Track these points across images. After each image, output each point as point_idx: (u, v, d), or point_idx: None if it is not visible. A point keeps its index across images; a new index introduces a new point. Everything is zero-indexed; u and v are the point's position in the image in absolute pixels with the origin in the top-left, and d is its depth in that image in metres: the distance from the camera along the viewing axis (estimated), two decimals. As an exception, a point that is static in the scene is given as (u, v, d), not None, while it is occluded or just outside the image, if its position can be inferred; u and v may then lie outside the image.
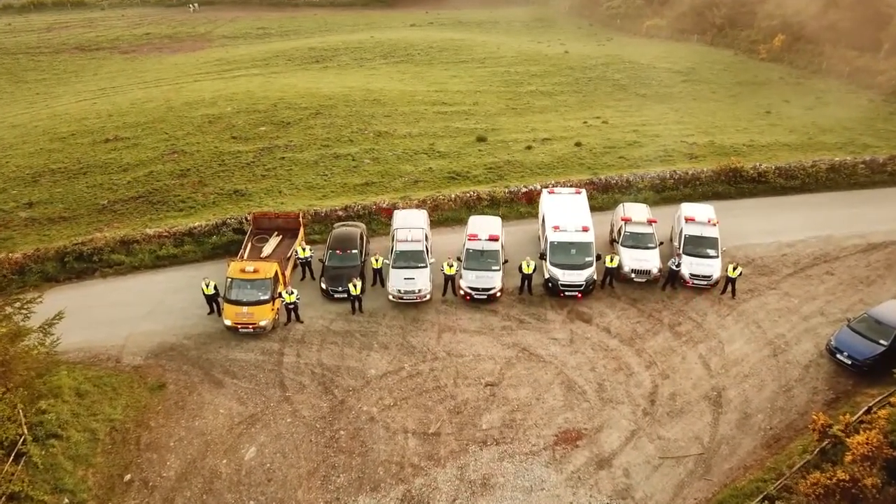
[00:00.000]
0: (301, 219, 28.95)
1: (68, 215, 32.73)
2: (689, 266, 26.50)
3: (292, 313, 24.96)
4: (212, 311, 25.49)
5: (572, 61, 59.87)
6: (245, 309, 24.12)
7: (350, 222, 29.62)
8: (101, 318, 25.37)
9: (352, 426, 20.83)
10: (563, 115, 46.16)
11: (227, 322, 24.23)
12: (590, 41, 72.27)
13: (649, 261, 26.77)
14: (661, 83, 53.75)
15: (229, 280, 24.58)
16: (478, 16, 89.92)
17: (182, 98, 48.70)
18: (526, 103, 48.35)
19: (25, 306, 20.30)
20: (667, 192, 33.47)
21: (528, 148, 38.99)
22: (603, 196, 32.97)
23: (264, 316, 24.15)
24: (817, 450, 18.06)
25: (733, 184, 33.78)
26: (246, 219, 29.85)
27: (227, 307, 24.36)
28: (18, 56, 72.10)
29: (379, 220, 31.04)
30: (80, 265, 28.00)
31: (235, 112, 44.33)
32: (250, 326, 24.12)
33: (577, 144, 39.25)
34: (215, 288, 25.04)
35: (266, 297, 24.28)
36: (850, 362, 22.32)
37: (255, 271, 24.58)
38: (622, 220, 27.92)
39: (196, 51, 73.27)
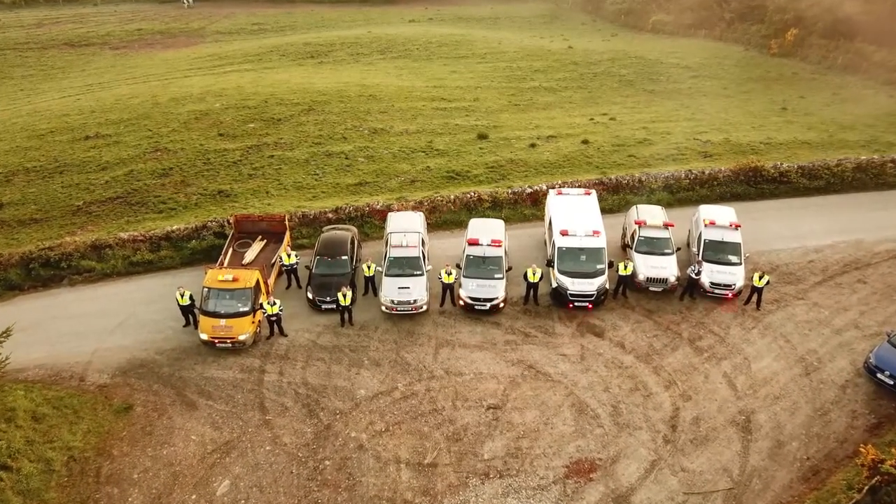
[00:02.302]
0: (287, 222, 26.71)
1: (40, 217, 30.56)
2: (710, 274, 24.26)
3: (275, 326, 22.75)
4: (188, 324, 23.27)
5: (576, 57, 57.72)
6: (223, 322, 21.89)
7: (340, 225, 27.39)
8: (67, 330, 23.20)
9: (338, 455, 18.62)
10: (568, 111, 43.97)
11: (204, 336, 22.01)
12: (594, 37, 70.13)
13: (666, 268, 24.53)
14: (670, 79, 51.56)
15: (206, 290, 22.36)
16: (479, 12, 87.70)
17: (169, 94, 46.48)
18: (529, 99, 46.16)
19: (-32, 322, 18.09)
20: (682, 193, 31.21)
21: (532, 146, 36.78)
22: (613, 197, 30.73)
23: (244, 329, 21.92)
24: (867, 488, 15.84)
25: (753, 184, 31.50)
26: (228, 222, 27.61)
27: (203, 320, 22.14)
28: (6, 52, 69.83)
29: (372, 223, 28.82)
30: (46, 272, 25.75)
31: (224, 108, 42.13)
32: (228, 341, 21.89)
33: (584, 142, 37.06)
34: (191, 298, 22.81)
35: (246, 309, 22.05)
36: (892, 382, 20.12)
37: (235, 280, 22.35)
38: (636, 223, 25.68)
39: (189, 47, 71.12)
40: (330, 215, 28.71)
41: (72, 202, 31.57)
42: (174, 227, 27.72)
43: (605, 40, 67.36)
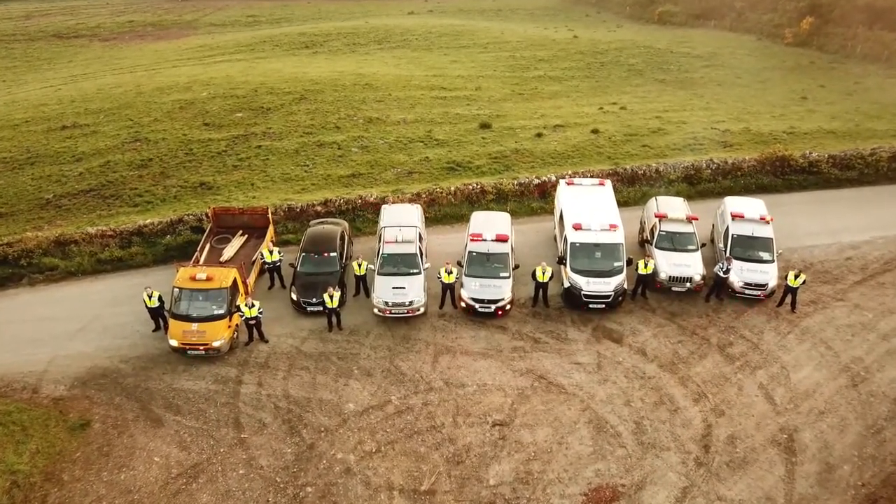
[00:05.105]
0: (271, 215, 24.30)
1: (6, 211, 28.29)
2: (740, 273, 21.81)
3: (254, 331, 20.33)
4: (157, 328, 20.86)
5: (582, 46, 55.34)
6: (195, 326, 19.49)
7: (329, 219, 24.97)
8: (22, 336, 20.81)
9: (322, 480, 16.22)
10: (575, 100, 41.59)
11: (174, 342, 19.60)
12: (599, 27, 67.84)
13: (690, 266, 22.09)
14: (681, 68, 49.20)
15: (176, 290, 19.96)
16: (480, 4, 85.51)
17: (154, 83, 44.15)
18: (534, 88, 43.76)
19: None
20: (703, 185, 28.81)
21: (539, 135, 34.39)
22: (629, 189, 28.32)
23: (218, 335, 19.50)
24: (944, 525, 13.46)
25: (780, 175, 29.08)
26: (206, 215, 25.19)
27: (173, 324, 19.74)
28: (-9, 44, 67.62)
29: (365, 217, 26.42)
30: (4, 271, 23.38)
31: (211, 97, 39.74)
32: (201, 348, 19.48)
33: (594, 132, 34.66)
34: (160, 299, 20.40)
35: (221, 312, 19.67)
36: (953, 395, 17.71)
37: (209, 279, 19.94)
38: (656, 216, 23.25)
39: (180, 38, 68.82)
40: (319, 208, 26.31)
41: (41, 195, 29.27)
42: (147, 222, 25.33)
43: (610, 31, 65.11)
